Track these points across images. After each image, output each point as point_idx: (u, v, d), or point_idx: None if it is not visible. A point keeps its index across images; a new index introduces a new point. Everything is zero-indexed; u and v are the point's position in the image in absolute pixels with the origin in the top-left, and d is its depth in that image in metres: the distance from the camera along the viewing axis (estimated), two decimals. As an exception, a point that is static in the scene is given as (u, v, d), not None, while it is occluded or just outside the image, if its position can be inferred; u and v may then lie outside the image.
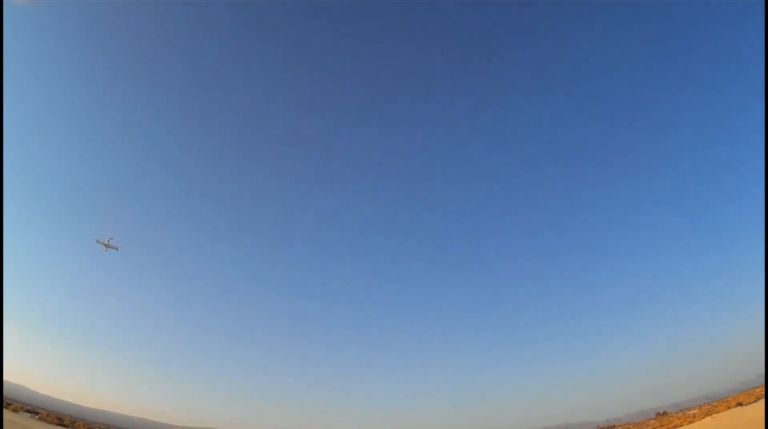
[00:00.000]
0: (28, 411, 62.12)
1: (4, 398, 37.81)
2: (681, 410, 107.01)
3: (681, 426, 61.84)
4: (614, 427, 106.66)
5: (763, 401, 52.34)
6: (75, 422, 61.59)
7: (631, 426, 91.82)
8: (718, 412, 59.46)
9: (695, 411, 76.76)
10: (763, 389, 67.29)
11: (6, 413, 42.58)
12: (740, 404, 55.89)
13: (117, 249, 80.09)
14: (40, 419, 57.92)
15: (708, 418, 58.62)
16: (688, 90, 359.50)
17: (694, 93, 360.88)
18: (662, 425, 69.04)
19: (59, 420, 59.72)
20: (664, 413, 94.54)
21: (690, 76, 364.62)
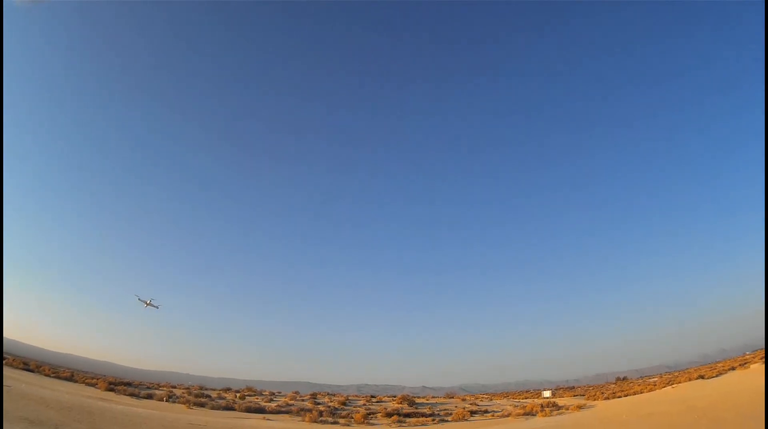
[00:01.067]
0: (-8, 355, 59.95)
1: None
2: (641, 377, 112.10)
3: (641, 392, 62.48)
4: (573, 387, 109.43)
5: (724, 377, 54.07)
6: (40, 366, 59.80)
7: (590, 388, 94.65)
8: (679, 382, 60.71)
9: (656, 379, 79.61)
10: (725, 364, 70.04)
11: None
12: (702, 377, 57.45)
13: (158, 307, 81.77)
14: (6, 364, 55.70)
15: (669, 387, 59.65)
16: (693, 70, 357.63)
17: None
18: (622, 390, 69.95)
19: (25, 364, 57.82)
20: (624, 378, 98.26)
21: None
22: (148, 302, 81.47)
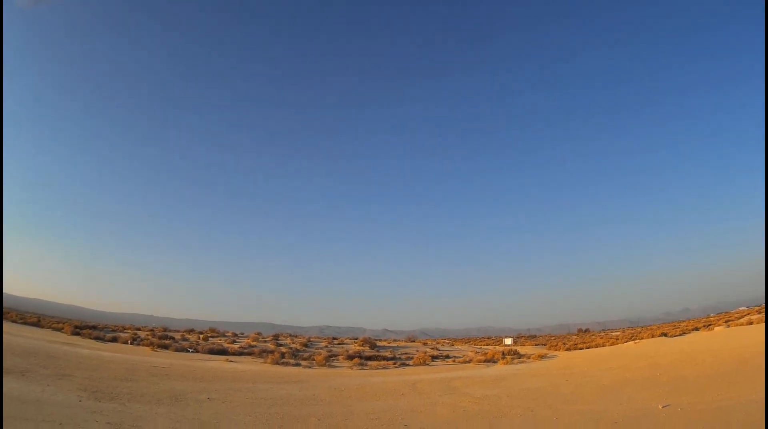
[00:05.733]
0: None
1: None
2: (603, 330, 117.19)
3: (603, 345, 60.07)
4: (535, 336, 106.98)
5: (687, 336, 56.25)
6: (7, 312, 56.75)
7: (552, 337, 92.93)
8: (642, 338, 60.85)
9: (618, 333, 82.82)
10: (688, 324, 73.04)
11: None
12: (665, 334, 58.83)
13: None
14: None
15: (631, 342, 59.56)
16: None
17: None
18: (584, 341, 65.96)
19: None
20: (587, 330, 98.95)
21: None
22: None
